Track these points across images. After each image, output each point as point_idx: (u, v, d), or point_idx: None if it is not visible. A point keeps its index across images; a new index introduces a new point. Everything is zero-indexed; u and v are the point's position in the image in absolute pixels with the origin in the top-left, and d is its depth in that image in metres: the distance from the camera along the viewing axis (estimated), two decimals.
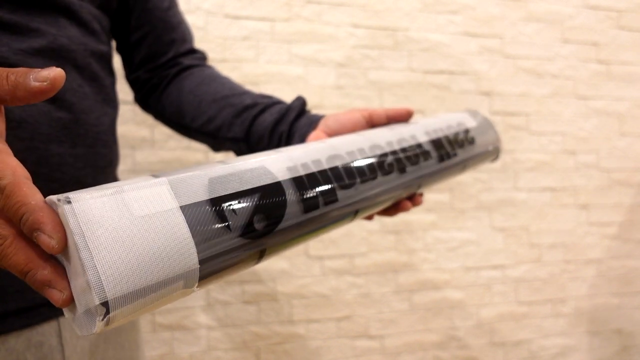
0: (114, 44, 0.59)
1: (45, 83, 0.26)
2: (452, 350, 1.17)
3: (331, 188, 0.35)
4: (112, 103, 0.53)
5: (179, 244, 0.24)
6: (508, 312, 1.21)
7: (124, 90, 0.64)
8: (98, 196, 0.23)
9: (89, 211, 0.22)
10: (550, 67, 1.23)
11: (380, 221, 1.12)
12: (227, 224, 0.26)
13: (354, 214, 0.38)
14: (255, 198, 0.29)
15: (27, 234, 0.23)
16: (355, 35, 1.10)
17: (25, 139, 0.40)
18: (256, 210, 0.28)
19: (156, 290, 0.23)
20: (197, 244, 0.24)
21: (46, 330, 0.43)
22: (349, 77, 1.10)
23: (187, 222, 0.24)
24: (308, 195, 0.33)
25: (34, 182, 0.34)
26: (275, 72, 1.05)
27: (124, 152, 0.96)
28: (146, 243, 0.23)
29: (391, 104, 1.12)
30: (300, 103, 0.53)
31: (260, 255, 0.30)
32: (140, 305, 0.23)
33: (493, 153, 0.58)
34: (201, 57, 0.64)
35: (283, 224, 0.30)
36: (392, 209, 0.48)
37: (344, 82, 1.09)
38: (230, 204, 0.27)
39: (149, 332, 0.98)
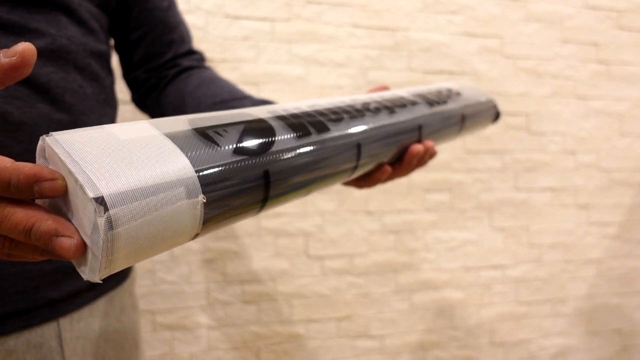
0: (111, 42, 0.59)
1: (14, 58, 0.25)
2: (452, 350, 1.17)
3: (319, 120, 0.34)
4: (112, 103, 0.53)
5: (169, 155, 0.23)
6: (508, 312, 1.21)
7: (123, 91, 0.64)
8: (80, 130, 0.23)
9: (73, 138, 0.22)
10: (550, 67, 1.23)
11: (380, 221, 1.12)
12: (215, 141, 0.26)
13: (356, 151, 0.37)
14: (240, 127, 0.29)
15: (24, 195, 0.22)
16: (355, 36, 1.10)
17: (24, 141, 0.40)
18: (244, 133, 0.28)
19: (155, 194, 0.22)
20: (188, 157, 0.24)
21: (46, 332, 0.43)
22: (349, 77, 1.10)
23: (173, 142, 0.25)
24: (295, 123, 0.32)
25: None
26: (276, 72, 1.05)
27: None
28: (134, 155, 0.22)
29: None
30: None
31: (266, 181, 0.29)
32: (143, 209, 0.21)
33: (489, 106, 0.57)
34: (200, 58, 0.64)
35: (277, 146, 0.30)
36: (406, 159, 0.46)
37: (344, 82, 1.09)
38: (215, 130, 0.27)
39: (149, 331, 0.98)
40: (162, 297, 0.99)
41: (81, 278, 0.45)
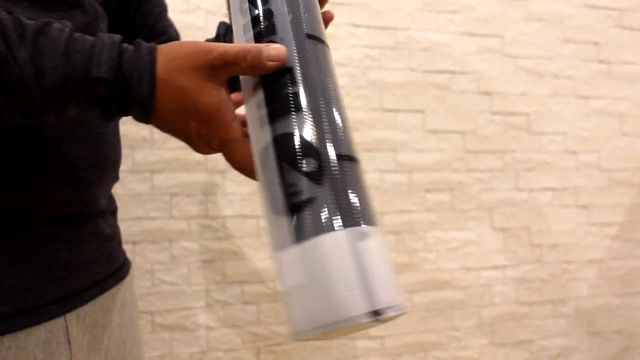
0: None
1: (276, 63, 0.32)
2: (453, 351, 1.17)
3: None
4: None
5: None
6: (508, 313, 1.21)
7: None
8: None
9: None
10: (550, 67, 1.23)
11: (380, 221, 1.11)
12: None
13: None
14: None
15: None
16: (355, 35, 1.10)
17: (34, 141, 0.41)
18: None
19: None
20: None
21: (54, 327, 0.43)
22: (349, 76, 1.09)
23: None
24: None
25: (44, 183, 0.42)
26: None
27: (123, 152, 0.95)
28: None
29: (391, 103, 1.12)
30: None
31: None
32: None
33: None
34: None
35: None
36: None
37: (343, 82, 1.09)
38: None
39: (148, 332, 0.98)
40: (162, 297, 0.99)
41: (85, 275, 0.47)
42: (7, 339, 0.39)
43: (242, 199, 1.04)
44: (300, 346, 1.07)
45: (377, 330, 1.12)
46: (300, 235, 0.26)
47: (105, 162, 0.49)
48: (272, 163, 0.29)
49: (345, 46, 1.09)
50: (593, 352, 1.27)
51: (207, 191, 1.02)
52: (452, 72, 1.16)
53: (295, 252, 0.26)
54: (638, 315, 1.30)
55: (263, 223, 1.05)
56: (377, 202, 1.11)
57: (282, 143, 0.29)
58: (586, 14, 1.25)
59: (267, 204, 0.29)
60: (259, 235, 1.04)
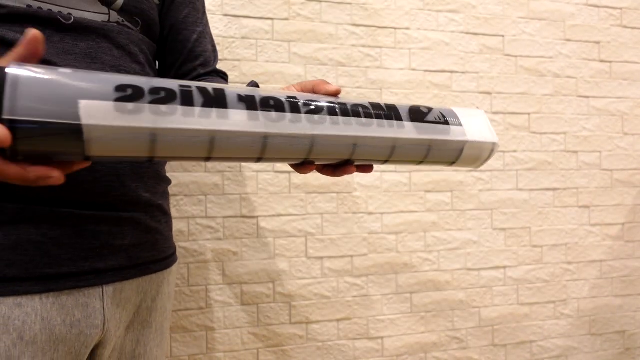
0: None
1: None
2: (453, 352, 1.16)
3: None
4: None
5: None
6: (509, 313, 1.20)
7: None
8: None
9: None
10: (551, 66, 1.22)
11: (380, 221, 1.11)
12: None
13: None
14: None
15: None
16: (355, 34, 1.09)
17: None
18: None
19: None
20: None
21: (92, 294, 0.52)
22: (349, 76, 1.09)
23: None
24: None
25: (86, 174, 0.51)
26: (275, 71, 1.04)
27: None
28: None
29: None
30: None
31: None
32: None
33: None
34: (220, 75, 0.73)
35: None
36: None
37: (343, 82, 1.08)
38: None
39: None
40: None
41: (126, 257, 0.56)
42: (52, 297, 0.48)
43: (242, 199, 1.03)
44: (300, 347, 1.07)
45: (377, 331, 1.11)
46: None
47: None
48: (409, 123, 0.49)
49: (345, 45, 1.08)
50: (594, 354, 1.27)
51: (206, 191, 1.02)
52: (452, 72, 1.15)
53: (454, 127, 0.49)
54: (639, 316, 1.30)
55: (262, 223, 1.04)
56: (377, 202, 1.11)
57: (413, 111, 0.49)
58: (587, 13, 1.24)
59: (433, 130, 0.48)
60: (258, 235, 1.04)
